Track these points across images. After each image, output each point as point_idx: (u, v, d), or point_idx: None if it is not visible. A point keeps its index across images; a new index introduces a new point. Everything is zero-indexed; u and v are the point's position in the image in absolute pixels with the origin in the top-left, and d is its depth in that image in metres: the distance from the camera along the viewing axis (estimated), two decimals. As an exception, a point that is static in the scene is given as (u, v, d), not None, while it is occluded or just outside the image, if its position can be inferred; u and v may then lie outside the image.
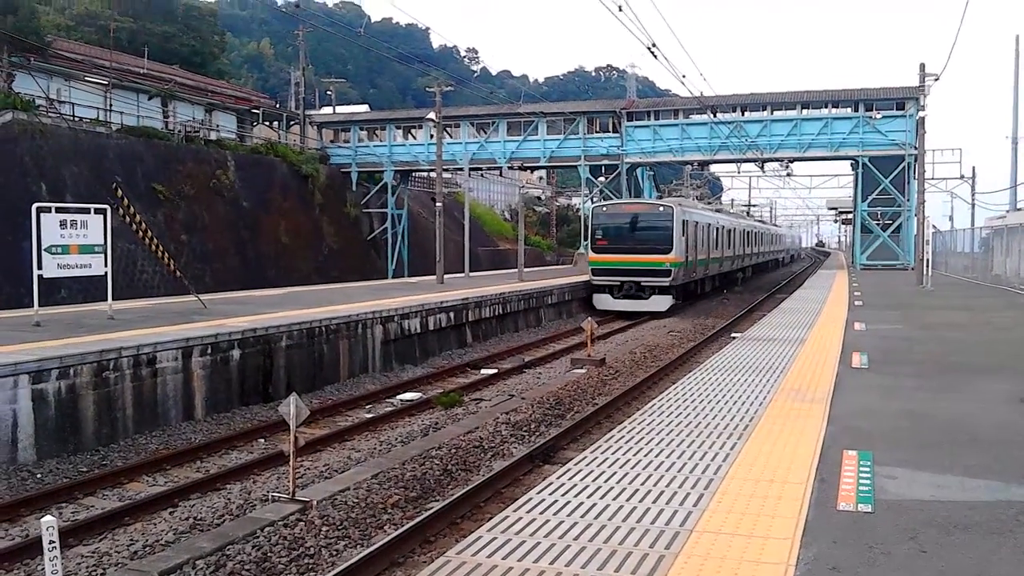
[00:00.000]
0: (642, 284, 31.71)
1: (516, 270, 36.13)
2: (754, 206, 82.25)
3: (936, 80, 35.69)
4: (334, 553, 8.19)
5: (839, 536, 5.38)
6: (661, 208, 33.33)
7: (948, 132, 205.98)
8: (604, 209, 34.23)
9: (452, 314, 22.97)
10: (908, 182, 43.64)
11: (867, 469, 6.84)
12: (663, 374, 18.07)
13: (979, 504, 6.06)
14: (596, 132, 49.99)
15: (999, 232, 35.71)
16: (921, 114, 38.28)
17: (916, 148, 38.73)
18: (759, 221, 75.46)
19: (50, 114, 35.16)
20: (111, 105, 41.36)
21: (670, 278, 31.50)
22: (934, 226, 38.86)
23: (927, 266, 31.70)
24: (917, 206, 36.25)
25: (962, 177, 47.95)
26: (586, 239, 36.62)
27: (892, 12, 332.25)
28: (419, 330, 21.24)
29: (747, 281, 53.97)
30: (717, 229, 41.22)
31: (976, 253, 38.93)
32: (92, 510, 9.72)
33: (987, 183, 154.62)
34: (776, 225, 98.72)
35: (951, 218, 57.42)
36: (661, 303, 31.85)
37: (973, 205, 51.15)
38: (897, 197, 44.77)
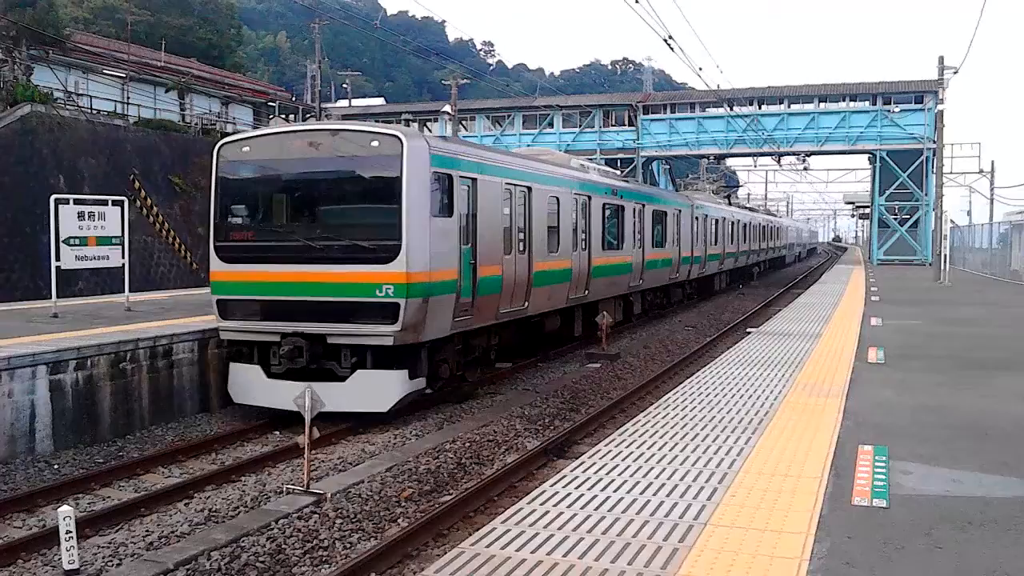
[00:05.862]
0: (331, 341, 12.95)
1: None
2: (735, 186, 66.96)
3: (955, 73, 35.50)
4: (348, 545, 8.21)
5: (854, 531, 5.36)
6: (375, 143, 13.17)
7: (967, 126, 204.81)
8: (244, 150, 14.15)
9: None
10: (926, 176, 43.40)
11: (882, 464, 6.81)
12: (678, 368, 18.03)
13: (995, 500, 6.03)
14: (612, 125, 49.99)
15: (1018, 227, 35.47)
16: (940, 107, 38.02)
17: (934, 142, 38.49)
18: (745, 208, 52.89)
19: (68, 107, 35.38)
20: (128, 98, 41.60)
21: (398, 324, 12.58)
22: (952, 221, 38.57)
23: (945, 261, 31.49)
24: (935, 200, 36.02)
25: (981, 171, 47.66)
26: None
27: (911, 4, 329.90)
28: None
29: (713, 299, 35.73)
30: (610, 208, 22.12)
31: (995, 248, 38.66)
32: (108, 501, 9.77)
33: (1006, 177, 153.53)
34: (772, 214, 72.28)
35: (969, 213, 57.01)
36: (379, 389, 12.93)
37: (992, 200, 50.74)
38: (915, 191, 44.55)
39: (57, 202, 15.23)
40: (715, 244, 36.14)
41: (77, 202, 15.86)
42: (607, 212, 21.88)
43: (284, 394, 12.38)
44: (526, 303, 16.65)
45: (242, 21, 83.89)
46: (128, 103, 41.11)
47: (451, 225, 13.75)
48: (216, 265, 13.82)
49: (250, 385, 13.57)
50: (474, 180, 14.50)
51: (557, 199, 18.24)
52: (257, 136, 14.99)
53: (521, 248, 16.43)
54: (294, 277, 13.10)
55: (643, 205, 25.22)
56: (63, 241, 15.08)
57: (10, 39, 35.44)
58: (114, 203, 16.15)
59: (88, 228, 15.45)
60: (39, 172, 31.09)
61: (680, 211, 30.10)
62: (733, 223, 41.02)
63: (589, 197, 20.32)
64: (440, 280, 13.29)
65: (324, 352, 12.96)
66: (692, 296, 34.01)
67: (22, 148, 30.94)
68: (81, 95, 38.33)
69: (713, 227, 35.78)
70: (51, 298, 15.91)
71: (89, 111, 36.73)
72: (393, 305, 12.58)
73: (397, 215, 12.71)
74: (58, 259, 15.11)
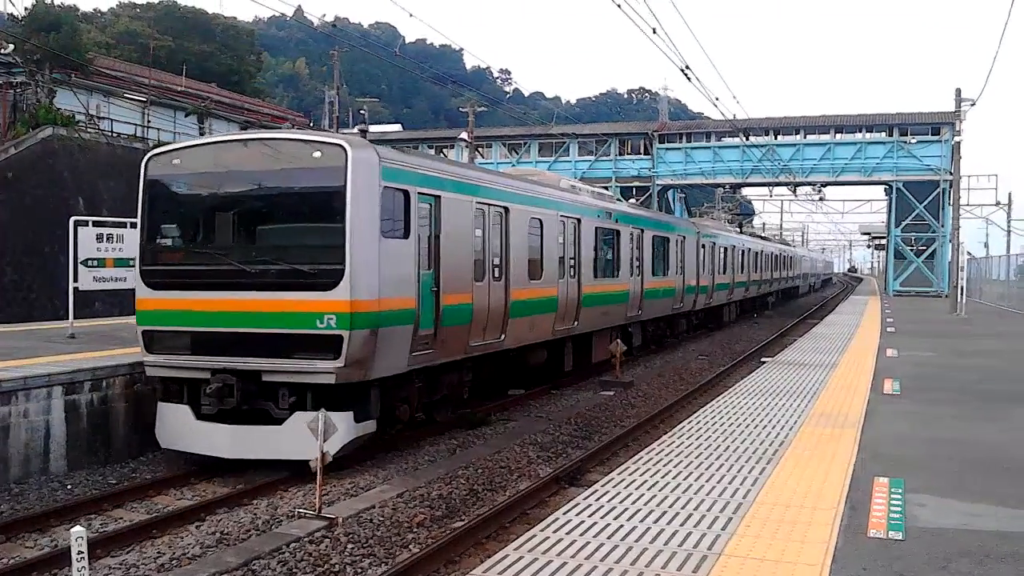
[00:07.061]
0: (266, 379, 11.35)
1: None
2: (748, 214, 62.58)
3: (972, 105, 35.40)
4: (359, 570, 8.18)
5: (869, 563, 5.31)
6: (316, 154, 11.62)
7: (984, 158, 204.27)
8: (174, 163, 12.59)
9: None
10: (943, 208, 43.30)
11: (898, 496, 6.76)
12: (692, 397, 17.94)
13: (1012, 534, 5.96)
14: (627, 154, 50.14)
15: (1035, 260, 35.25)
16: (956, 139, 37.95)
17: (951, 174, 38.40)
18: (757, 236, 50.49)
19: (89, 129, 35.79)
20: (149, 121, 42.03)
21: (341, 360, 10.97)
22: (969, 253, 38.39)
23: (961, 293, 31.32)
24: (952, 232, 35.89)
25: (998, 203, 47.52)
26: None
27: (928, 36, 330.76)
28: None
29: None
30: (603, 233, 20.59)
31: (1012, 281, 38.43)
32: (121, 522, 9.78)
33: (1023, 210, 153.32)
34: (786, 243, 68.17)
35: (986, 245, 56.78)
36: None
37: (1009, 232, 50.58)
38: (931, 223, 44.44)
39: (76, 223, 15.39)
40: (723, 273, 34.12)
41: (96, 224, 16.00)
42: (600, 237, 20.28)
43: (214, 438, 11.53)
44: (502, 335, 15.10)
45: (262, 47, 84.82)
46: (148, 127, 41.54)
47: (407, 248, 12.10)
48: (141, 291, 12.20)
49: (178, 428, 11.87)
50: (437, 198, 12.90)
51: (540, 221, 16.71)
52: (189, 147, 13.25)
53: (496, 274, 14.85)
54: (225, 305, 11.56)
55: (642, 230, 23.40)
56: (81, 262, 15.21)
57: (34, 62, 35.97)
58: (132, 225, 16.26)
59: (106, 250, 15.59)
60: (59, 193, 31.41)
61: (684, 238, 28.10)
62: (744, 252, 39.03)
63: (579, 220, 18.66)
64: (392, 309, 11.67)
65: (259, 391, 11.35)
66: (699, 327, 32.63)
67: (43, 170, 31.29)
68: (102, 118, 38.80)
69: (722, 255, 33.95)
70: (68, 318, 16.02)
71: (110, 134, 37.14)
72: (335, 338, 10.98)
73: (340, 235, 11.05)
74: (76, 280, 15.24)
